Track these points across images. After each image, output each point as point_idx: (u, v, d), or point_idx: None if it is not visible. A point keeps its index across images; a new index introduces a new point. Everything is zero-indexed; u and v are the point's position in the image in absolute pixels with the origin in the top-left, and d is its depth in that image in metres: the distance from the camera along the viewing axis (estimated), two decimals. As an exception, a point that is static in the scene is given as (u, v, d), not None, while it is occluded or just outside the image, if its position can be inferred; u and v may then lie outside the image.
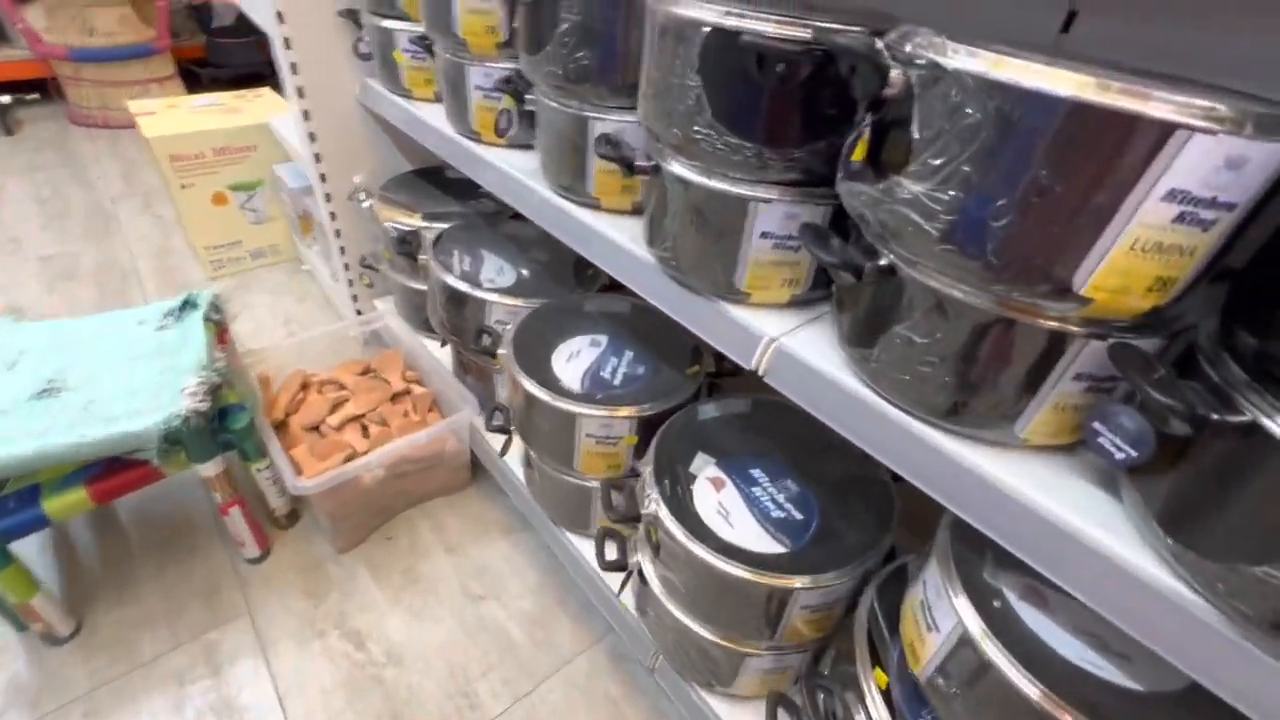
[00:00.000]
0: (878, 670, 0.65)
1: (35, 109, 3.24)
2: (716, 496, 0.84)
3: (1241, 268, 0.42)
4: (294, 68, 1.31)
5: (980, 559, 0.59)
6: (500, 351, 1.05)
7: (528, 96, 0.88)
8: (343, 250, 1.62)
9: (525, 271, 1.25)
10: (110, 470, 1.04)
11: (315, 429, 1.34)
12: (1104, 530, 0.46)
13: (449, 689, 1.10)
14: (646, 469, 0.85)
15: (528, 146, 0.99)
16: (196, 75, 3.46)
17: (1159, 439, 0.41)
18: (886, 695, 0.65)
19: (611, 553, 0.94)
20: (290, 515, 1.33)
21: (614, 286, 1.13)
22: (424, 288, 1.38)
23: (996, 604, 0.56)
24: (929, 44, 0.40)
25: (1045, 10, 0.66)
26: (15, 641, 1.10)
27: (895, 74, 0.41)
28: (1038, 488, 0.48)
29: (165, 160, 1.85)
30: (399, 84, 1.21)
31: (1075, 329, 0.44)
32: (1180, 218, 0.36)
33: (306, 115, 1.38)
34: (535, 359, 1.02)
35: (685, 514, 0.79)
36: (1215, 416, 0.38)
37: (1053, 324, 0.44)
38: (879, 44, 0.42)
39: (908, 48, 0.41)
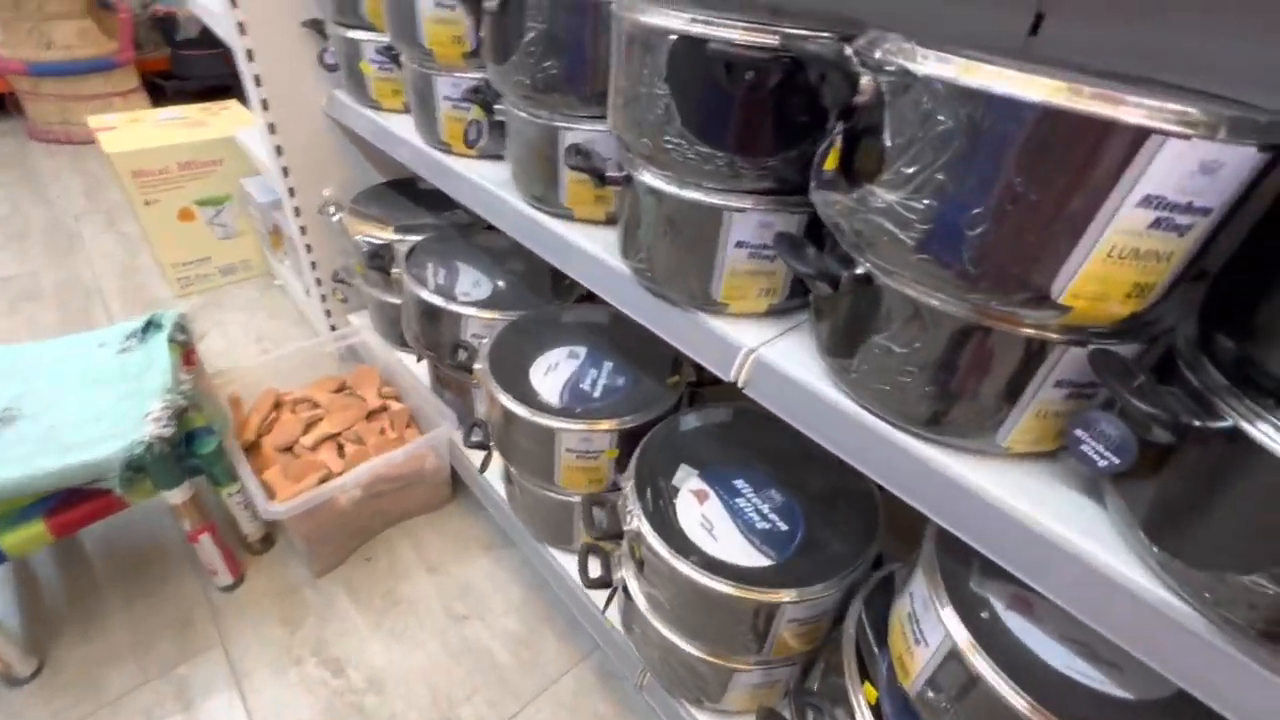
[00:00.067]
0: (867, 685, 0.64)
1: (-7, 125, 3.15)
2: (700, 509, 0.82)
3: (1217, 271, 0.41)
4: (258, 80, 1.28)
5: (966, 568, 0.58)
6: (477, 366, 1.03)
7: (497, 107, 0.87)
8: (314, 265, 1.59)
9: (501, 283, 1.23)
10: (70, 501, 1.00)
11: (289, 450, 1.30)
12: (1089, 539, 0.45)
13: (432, 715, 1.06)
14: (628, 484, 0.83)
15: (499, 157, 0.97)
16: (161, 88, 3.39)
17: (1141, 446, 0.40)
18: (876, 710, 0.64)
19: (595, 569, 0.92)
20: (264, 540, 1.29)
21: (592, 296, 1.11)
22: (399, 302, 1.35)
23: (984, 615, 0.55)
24: (898, 50, 0.39)
25: (1013, 13, 0.66)
26: (-28, 684, 1.05)
27: (865, 81, 0.40)
28: (1022, 496, 0.48)
29: (127, 176, 1.80)
30: (366, 95, 1.19)
31: (1054, 336, 0.43)
32: (1156, 223, 0.35)
33: (272, 128, 1.35)
34: (513, 373, 1.00)
35: (668, 529, 0.78)
36: (1197, 423, 0.38)
37: (1032, 332, 0.43)
38: (847, 50, 0.41)
39: (877, 54, 0.40)
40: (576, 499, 1.00)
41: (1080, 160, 0.34)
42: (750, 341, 0.62)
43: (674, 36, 0.52)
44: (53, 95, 2.93)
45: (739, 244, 0.60)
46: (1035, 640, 0.54)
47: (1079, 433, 0.43)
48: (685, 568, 0.72)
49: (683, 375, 1.02)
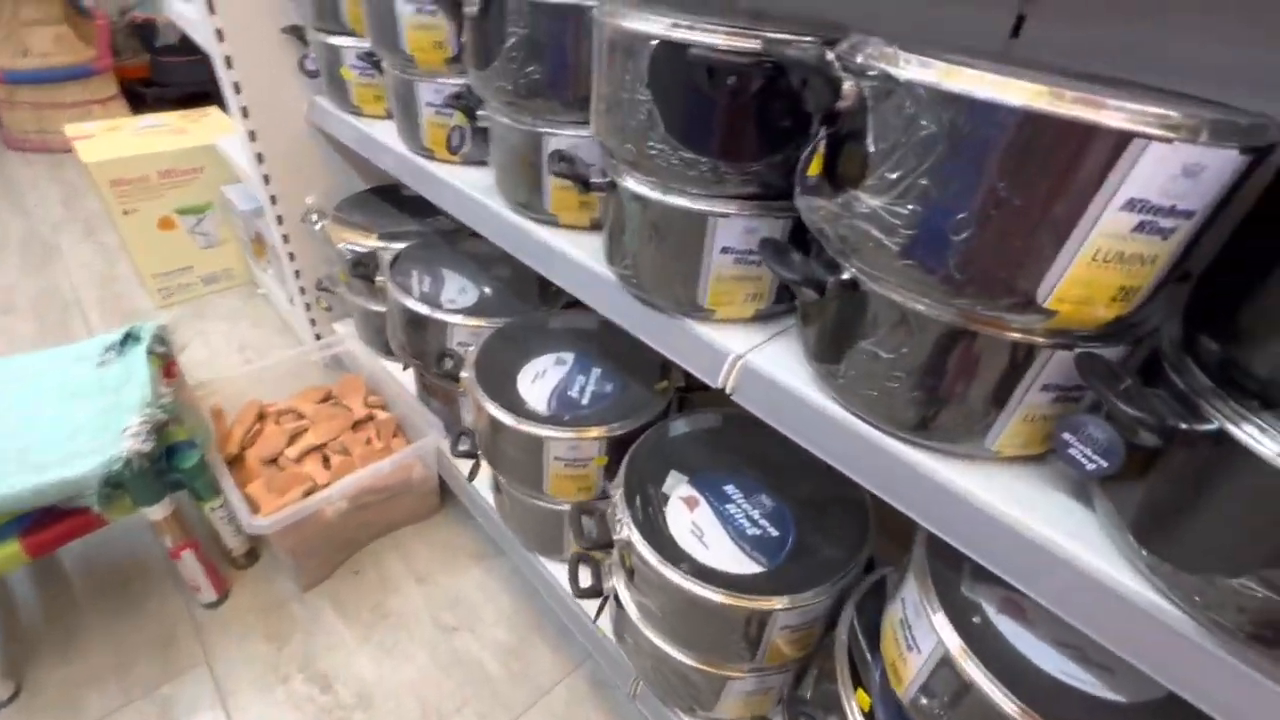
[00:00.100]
0: (860, 692, 0.64)
1: (-33, 134, 3.09)
2: (690, 516, 0.82)
3: (1201, 272, 0.41)
4: (237, 87, 1.26)
5: (957, 573, 0.58)
6: (463, 375, 1.01)
7: (479, 113, 0.86)
8: (298, 274, 1.57)
9: (488, 290, 1.22)
10: (47, 520, 0.97)
11: (273, 462, 1.28)
12: (1078, 542, 0.45)
13: (423, 729, 1.05)
14: (617, 492, 0.82)
15: (482, 163, 0.96)
16: (141, 95, 3.34)
17: (1128, 449, 0.40)
18: (870, 717, 0.63)
19: (586, 579, 0.91)
20: (249, 554, 1.26)
21: (580, 302, 1.11)
22: (384, 310, 1.33)
23: (975, 619, 0.55)
24: (880, 55, 0.39)
25: (994, 14, 0.66)
26: (-53, 709, 1.03)
27: (848, 86, 0.40)
28: (1010, 500, 0.47)
29: (105, 185, 1.77)
30: (348, 101, 1.18)
31: (1041, 340, 0.43)
32: (1140, 227, 0.35)
33: (253, 136, 1.33)
34: (500, 381, 0.99)
35: (658, 537, 0.77)
36: (1183, 426, 0.38)
37: (1018, 336, 0.43)
38: (829, 55, 0.41)
39: (859, 59, 0.40)
40: (566, 507, 0.99)
41: (1063, 164, 0.34)
42: (738, 347, 0.62)
43: (655, 42, 0.51)
44: (29, 103, 2.88)
45: (724, 249, 0.59)
46: (1027, 644, 0.53)
47: (1066, 436, 0.43)
48: (676, 576, 0.72)
49: (671, 380, 1.01)
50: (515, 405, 0.95)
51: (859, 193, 0.42)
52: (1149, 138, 0.32)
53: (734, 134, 0.53)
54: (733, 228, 0.58)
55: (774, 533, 0.80)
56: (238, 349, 1.87)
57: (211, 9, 1.16)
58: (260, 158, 1.36)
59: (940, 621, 0.53)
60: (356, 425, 1.37)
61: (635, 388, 1.01)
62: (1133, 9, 0.57)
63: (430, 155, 1.00)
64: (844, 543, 0.78)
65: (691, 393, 1.06)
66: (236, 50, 1.22)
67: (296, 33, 1.22)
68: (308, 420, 1.36)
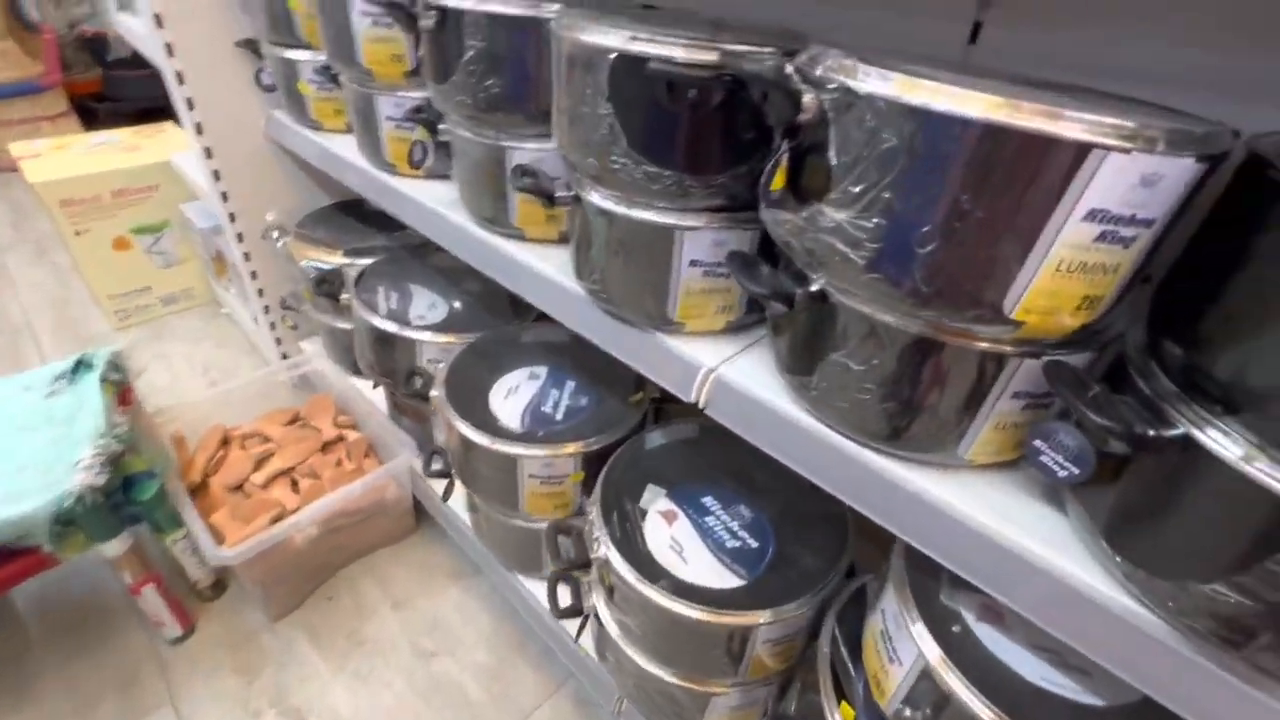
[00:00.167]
0: (844, 705, 0.63)
1: (-93, 154, 2.95)
2: (669, 531, 0.81)
3: (1162, 278, 0.42)
4: (190, 103, 1.22)
5: (936, 581, 0.58)
6: (433, 393, 0.99)
7: (441, 127, 0.84)
8: (261, 292, 1.53)
9: (458, 304, 1.20)
10: (-7, 561, 0.93)
11: (239, 489, 1.24)
12: (1054, 550, 0.45)
13: (402, 759, 1.02)
14: (594, 509, 0.81)
15: (446, 177, 0.95)
16: (94, 111, 3.23)
17: (1099, 456, 0.40)
18: (855, 729, 0.62)
19: (565, 598, 0.89)
20: (215, 586, 1.22)
21: (551, 315, 1.09)
22: (351, 327, 1.30)
23: (955, 628, 0.54)
24: (839, 67, 0.38)
25: (952, 22, 0.67)
26: (-111, 767, 0.97)
27: (808, 99, 0.39)
28: (985, 509, 0.47)
29: (55, 206, 1.70)
30: (307, 116, 1.15)
31: (1009, 350, 0.43)
32: (1102, 236, 0.35)
33: (208, 153, 1.29)
34: (471, 398, 0.97)
35: (636, 554, 0.76)
36: (1151, 433, 0.38)
37: (986, 346, 0.43)
38: (788, 68, 0.41)
39: (818, 71, 0.39)
40: (543, 525, 0.97)
41: (1024, 176, 0.34)
42: (709, 360, 0.61)
43: (614, 55, 0.50)
44: (-27, 121, 2.77)
45: (693, 263, 0.59)
46: (1007, 651, 0.53)
47: (1038, 443, 0.43)
48: (655, 595, 0.70)
49: (646, 391, 1.00)
50: (487, 423, 0.93)
51: (823, 206, 0.41)
52: (1107, 148, 0.32)
53: (697, 147, 0.52)
54: (700, 240, 0.57)
55: (753, 544, 0.79)
56: (201, 371, 1.81)
57: (159, 23, 1.12)
58: (217, 175, 1.32)
59: (920, 632, 0.53)
60: (326, 447, 1.33)
61: (610, 400, 0.99)
62: (1086, 15, 0.58)
63: (393, 170, 0.98)
64: (824, 551, 0.77)
65: (668, 403, 1.05)
66: (188, 65, 1.19)
67: (251, 46, 1.19)
68: (274, 443, 1.32)
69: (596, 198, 0.60)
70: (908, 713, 0.55)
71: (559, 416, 0.96)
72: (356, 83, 0.94)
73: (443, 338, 1.09)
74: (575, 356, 1.08)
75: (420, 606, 1.24)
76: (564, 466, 0.90)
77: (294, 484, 1.26)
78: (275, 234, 1.34)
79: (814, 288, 0.48)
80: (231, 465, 1.26)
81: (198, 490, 1.22)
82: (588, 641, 0.96)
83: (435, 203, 0.89)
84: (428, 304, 1.18)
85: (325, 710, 1.07)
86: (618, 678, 0.89)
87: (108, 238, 1.82)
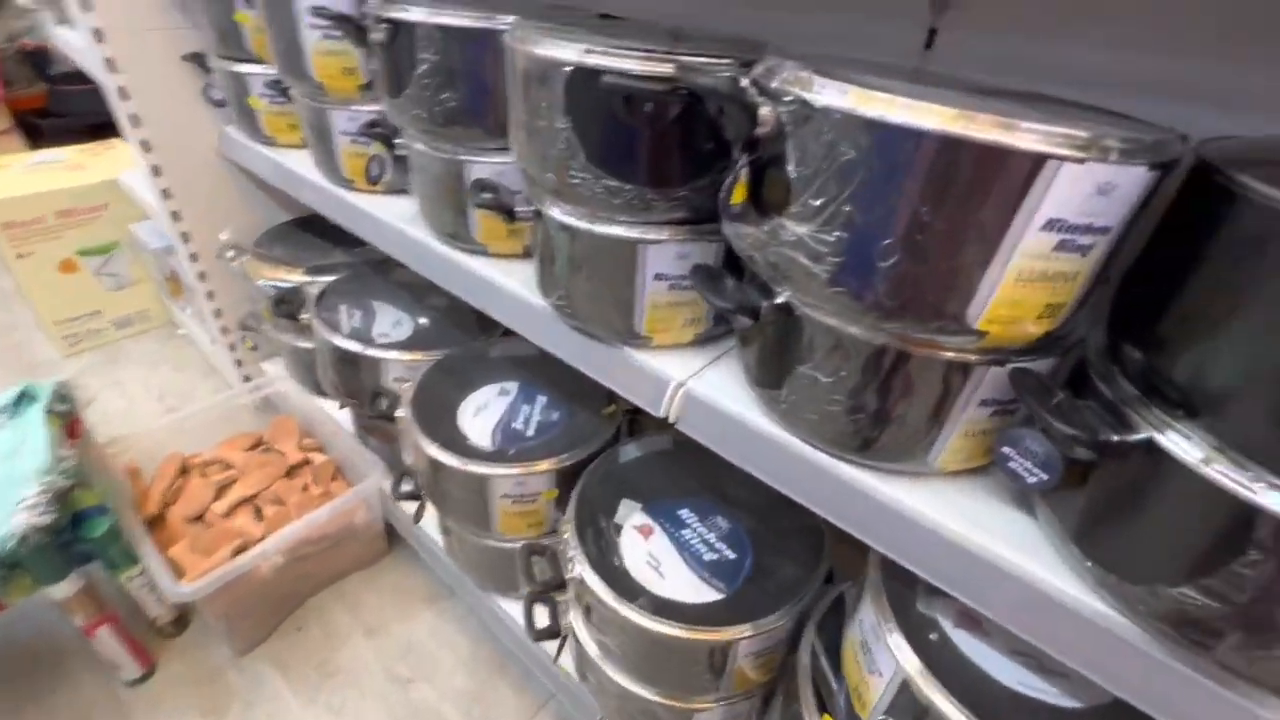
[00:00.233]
0: (825, 717, 0.62)
1: None
2: (645, 546, 0.79)
3: (1119, 283, 0.42)
4: (135, 120, 1.17)
5: (912, 589, 0.58)
6: (399, 413, 0.96)
7: (397, 141, 0.82)
8: (219, 313, 1.47)
9: (424, 321, 1.17)
10: (-70, 610, 0.87)
11: (199, 519, 1.19)
12: (1024, 555, 0.45)
13: (380, 793, 0.99)
14: (568, 527, 0.79)
15: (406, 192, 0.92)
16: (38, 127, 3.10)
17: (1065, 462, 0.40)
18: (838, 742, 0.62)
19: (542, 619, 0.87)
20: (177, 622, 1.16)
21: (519, 329, 1.07)
22: (314, 346, 1.26)
23: (933, 636, 0.54)
24: (795, 79, 0.38)
25: (908, 28, 0.67)
26: None
27: (765, 111, 0.39)
28: (957, 516, 0.47)
29: (-5, 229, 1.62)
30: (260, 131, 1.11)
31: (974, 359, 0.42)
32: (1061, 245, 0.35)
33: (157, 171, 1.24)
34: (439, 418, 0.95)
35: (613, 572, 0.74)
36: (1115, 438, 0.38)
37: (952, 355, 0.42)
38: (744, 81, 0.40)
39: (774, 84, 0.39)
40: (518, 545, 0.95)
41: (982, 187, 0.34)
42: (678, 374, 0.60)
43: (569, 68, 0.49)
44: (-95, 141, 2.64)
45: (658, 276, 0.58)
46: (985, 658, 0.53)
47: (1006, 450, 0.42)
48: (633, 614, 0.69)
49: (619, 403, 0.99)
50: (456, 443, 0.90)
51: (784, 220, 0.40)
52: (1062, 159, 0.32)
53: (657, 160, 0.52)
54: (664, 254, 0.57)
55: (731, 555, 0.79)
56: (158, 397, 1.74)
57: (99, 37, 1.07)
58: (167, 193, 1.27)
59: (898, 642, 0.53)
60: (291, 471, 1.29)
61: (582, 414, 0.98)
62: (1039, 21, 0.59)
63: (350, 186, 0.95)
64: (801, 559, 0.77)
65: (641, 415, 1.04)
66: (132, 80, 1.14)
67: (198, 60, 1.15)
68: (236, 470, 1.27)
69: (557, 213, 0.58)
70: (890, 724, 0.55)
71: (530, 433, 0.94)
72: (309, 97, 0.92)
73: (408, 355, 1.06)
74: (546, 370, 1.06)
75: (394, 632, 1.21)
76: (537, 485, 0.88)
77: (258, 512, 1.21)
78: (231, 253, 1.30)
79: (779, 300, 0.47)
80: (191, 495, 1.21)
81: (155, 523, 1.17)
82: (568, 662, 0.94)
83: (395, 219, 0.87)
84: (392, 321, 1.15)
85: (297, 747, 1.03)
86: (599, 698, 0.87)
87: (53, 260, 1.74)
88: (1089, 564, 0.41)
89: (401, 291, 1.23)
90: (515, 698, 1.11)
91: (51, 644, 1.14)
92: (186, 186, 1.28)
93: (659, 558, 0.78)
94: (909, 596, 0.57)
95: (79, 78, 3.03)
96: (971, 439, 0.47)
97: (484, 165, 0.71)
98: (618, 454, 0.91)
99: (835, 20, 0.72)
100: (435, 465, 0.89)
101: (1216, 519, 0.35)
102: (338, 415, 1.36)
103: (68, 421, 1.08)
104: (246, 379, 1.57)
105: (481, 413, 0.97)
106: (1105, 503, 0.40)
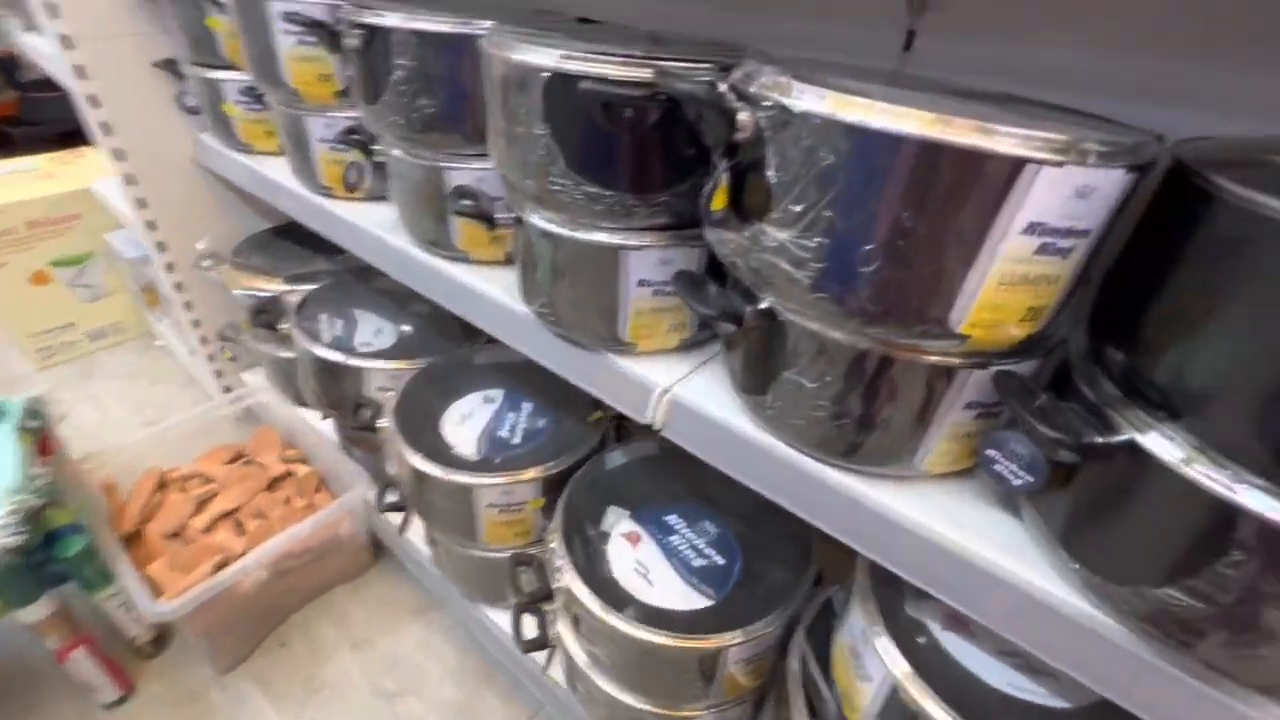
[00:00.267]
0: (817, 724, 0.62)
1: None
2: (633, 554, 0.79)
3: (1100, 284, 0.42)
4: (107, 128, 1.15)
5: (900, 592, 0.58)
6: (382, 424, 0.95)
7: (374, 148, 0.81)
8: (197, 324, 1.45)
9: (406, 328, 1.15)
10: (-105, 637, 0.84)
11: (178, 535, 1.16)
12: (1011, 557, 0.45)
13: (368, 811, 0.97)
14: (554, 536, 0.78)
15: (385, 199, 0.91)
16: (9, 136, 3.04)
17: (1050, 464, 0.40)
18: (829, 748, 0.62)
19: (531, 629, 0.86)
20: (156, 641, 1.14)
21: (504, 335, 1.06)
22: (295, 357, 1.24)
23: (921, 639, 0.54)
24: (774, 84, 0.37)
25: (887, 30, 0.67)
26: None
27: (744, 117, 0.38)
28: (944, 520, 0.47)
29: (-38, 241, 1.58)
30: (235, 139, 1.09)
31: (958, 362, 0.42)
32: (1042, 249, 0.35)
33: (130, 180, 1.22)
34: (423, 427, 0.93)
35: (601, 582, 0.74)
36: (1098, 440, 0.38)
37: (936, 359, 0.42)
38: (722, 87, 0.39)
39: (752, 89, 0.39)
40: (506, 554, 0.94)
41: (962, 192, 0.34)
42: (664, 380, 0.60)
43: (546, 74, 0.49)
44: None
45: (641, 282, 0.57)
46: (974, 660, 0.53)
47: (991, 453, 0.42)
48: (622, 624, 0.68)
49: (606, 410, 0.98)
50: (441, 452, 0.89)
51: (765, 226, 0.40)
52: (1041, 162, 0.32)
53: (638, 165, 0.51)
54: (647, 260, 0.56)
55: (720, 561, 0.78)
56: (136, 410, 1.71)
57: (68, 44, 1.05)
58: (141, 203, 1.25)
59: (886, 647, 0.52)
60: (273, 484, 1.27)
61: (569, 421, 0.97)
62: (1017, 22, 0.59)
63: (329, 193, 0.94)
64: (790, 562, 0.77)
65: (628, 419, 1.03)
66: (103, 88, 1.12)
67: (170, 67, 1.13)
68: (217, 484, 1.24)
69: (538, 220, 0.58)
70: (881, 729, 0.55)
71: (516, 440, 0.93)
72: (285, 104, 0.90)
73: (391, 364, 1.05)
74: (531, 377, 1.05)
75: (381, 645, 1.19)
76: (523, 493, 0.87)
77: (239, 526, 1.19)
78: (208, 262, 1.27)
79: (762, 306, 0.47)
80: (169, 510, 1.18)
81: (132, 540, 1.14)
82: (557, 671, 0.93)
83: (374, 226, 0.85)
84: (374, 329, 1.13)
85: (282, 766, 1.01)
86: (588, 707, 0.86)
87: (25, 272, 1.70)
88: (1075, 566, 0.41)
89: (383, 299, 1.21)
90: (504, 708, 1.10)
91: (25, 666, 1.11)
92: (161, 195, 1.26)
93: (647, 565, 0.77)
94: (897, 599, 0.57)
95: (51, 85, 2.97)
96: (957, 441, 0.47)
97: (463, 172, 0.70)
98: (604, 460, 0.90)
99: (814, 23, 0.72)
100: (419, 476, 0.87)
101: (1199, 519, 0.35)
102: (320, 426, 1.33)
103: (39, 438, 1.05)
104: (226, 390, 1.55)
105: (466, 421, 0.96)
106: (1090, 504, 0.40)
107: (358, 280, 1.26)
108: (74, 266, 1.76)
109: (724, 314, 0.48)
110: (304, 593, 1.23)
